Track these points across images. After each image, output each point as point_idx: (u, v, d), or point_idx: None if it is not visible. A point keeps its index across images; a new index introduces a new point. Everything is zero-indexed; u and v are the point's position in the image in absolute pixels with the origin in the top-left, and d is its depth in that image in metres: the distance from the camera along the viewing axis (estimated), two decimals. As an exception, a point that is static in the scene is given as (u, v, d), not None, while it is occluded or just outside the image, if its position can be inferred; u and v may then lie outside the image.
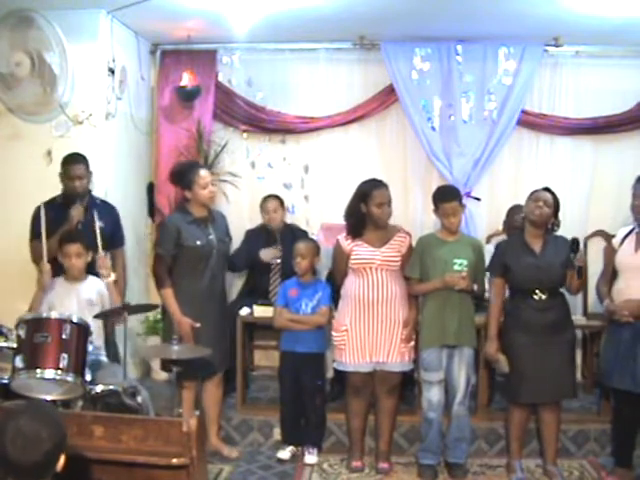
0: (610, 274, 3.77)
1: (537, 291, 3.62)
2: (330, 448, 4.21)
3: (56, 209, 4.09)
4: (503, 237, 4.72)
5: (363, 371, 3.85)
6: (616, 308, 3.61)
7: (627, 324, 3.56)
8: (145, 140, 5.37)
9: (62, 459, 1.98)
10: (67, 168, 4.14)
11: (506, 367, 3.70)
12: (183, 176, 3.91)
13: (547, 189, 3.72)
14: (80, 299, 3.67)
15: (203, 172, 3.89)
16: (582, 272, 3.68)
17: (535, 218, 3.67)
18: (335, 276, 4.07)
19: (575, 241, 3.63)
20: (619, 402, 3.74)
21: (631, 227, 3.75)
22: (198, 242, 3.83)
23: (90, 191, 4.29)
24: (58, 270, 3.81)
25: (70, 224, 4.01)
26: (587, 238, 5.18)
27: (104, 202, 4.39)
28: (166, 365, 3.73)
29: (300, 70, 5.38)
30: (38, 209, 4.12)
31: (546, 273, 3.62)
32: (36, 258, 4.14)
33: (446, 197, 3.80)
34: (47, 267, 3.71)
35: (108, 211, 4.35)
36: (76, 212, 4.04)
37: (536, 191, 3.73)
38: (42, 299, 3.65)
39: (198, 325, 3.77)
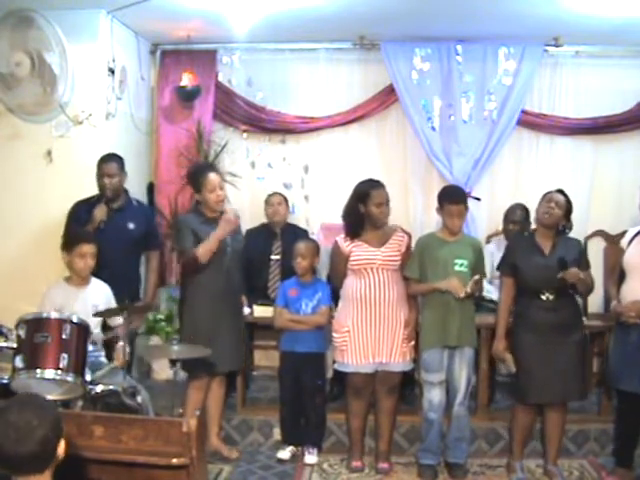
0: (617, 275, 3.75)
1: (545, 291, 3.61)
2: (330, 448, 4.20)
3: (89, 208, 4.16)
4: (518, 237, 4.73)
5: (365, 372, 3.85)
6: (623, 309, 3.60)
7: (634, 325, 3.55)
8: (145, 140, 5.37)
9: (62, 444, 1.95)
10: (99, 165, 4.22)
11: (513, 367, 3.70)
12: (194, 179, 3.95)
13: (560, 191, 3.72)
14: (87, 304, 3.65)
15: (212, 176, 3.88)
16: (575, 287, 3.65)
17: (545, 218, 3.67)
18: (333, 277, 4.07)
19: (562, 261, 3.58)
20: (623, 403, 3.73)
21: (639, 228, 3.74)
22: None
23: (126, 191, 4.32)
24: None
25: (93, 224, 4.06)
26: (587, 238, 5.18)
27: (140, 203, 4.48)
28: (186, 365, 3.77)
29: (300, 70, 5.39)
30: (75, 207, 4.22)
31: (554, 273, 3.59)
32: None
33: (453, 198, 3.79)
34: None
35: (142, 212, 4.45)
36: (99, 212, 4.10)
37: (549, 192, 3.73)
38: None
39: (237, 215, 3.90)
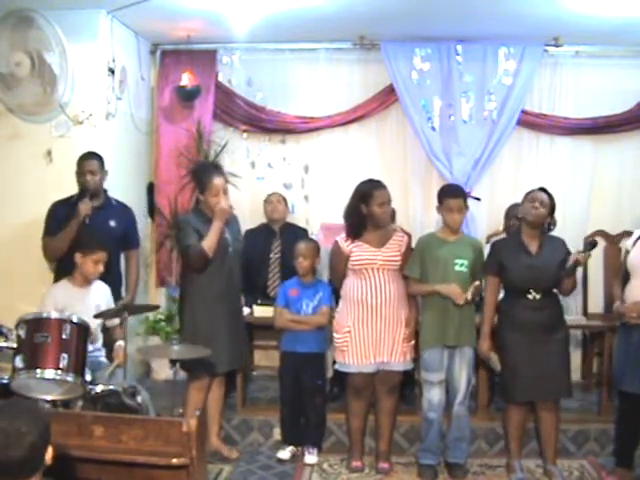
0: (622, 276, 3.74)
1: (532, 291, 3.63)
2: (330, 448, 4.20)
3: (68, 207, 4.15)
4: (503, 237, 4.73)
5: (366, 372, 3.85)
6: (625, 310, 3.59)
7: (636, 326, 3.54)
8: (145, 140, 5.37)
9: (50, 451, 1.96)
10: (80, 163, 4.20)
11: (498, 365, 3.71)
12: (198, 178, 3.94)
13: (542, 189, 3.72)
14: (89, 305, 3.66)
15: (216, 180, 3.85)
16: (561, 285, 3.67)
17: (531, 219, 3.67)
18: (333, 277, 4.06)
19: (594, 242, 3.65)
20: (624, 403, 3.72)
21: None
22: None
23: (105, 191, 4.32)
24: (65, 271, 3.82)
25: (78, 219, 4.05)
26: (587, 238, 5.18)
27: (119, 202, 4.45)
28: (185, 362, 3.76)
29: (300, 70, 5.38)
30: (53, 206, 4.20)
31: (541, 273, 3.61)
32: (49, 255, 4.16)
33: (452, 193, 3.80)
34: None
35: (122, 211, 4.43)
36: (84, 207, 4.08)
37: (532, 191, 3.72)
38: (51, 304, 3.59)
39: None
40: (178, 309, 4.15)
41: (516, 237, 3.79)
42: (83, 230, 4.01)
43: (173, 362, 3.54)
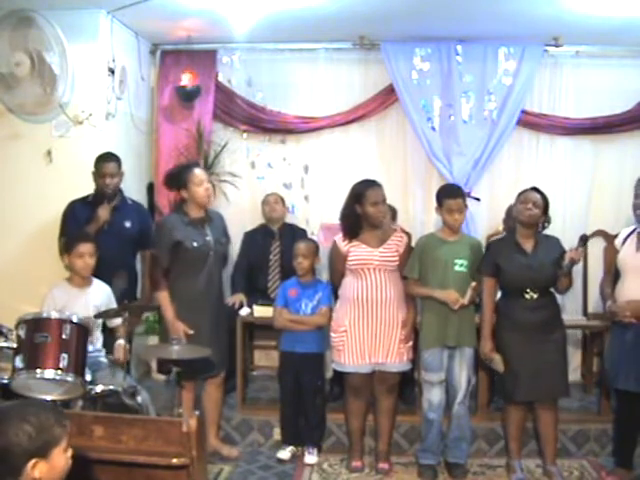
0: (613, 275, 3.76)
1: (529, 290, 3.63)
2: (330, 448, 4.21)
3: (87, 208, 4.17)
4: (498, 237, 4.73)
5: (362, 372, 3.85)
6: (618, 309, 3.60)
7: (630, 325, 3.55)
8: (145, 140, 5.37)
9: (36, 466, 1.80)
10: (99, 165, 4.21)
11: (502, 366, 3.71)
12: (178, 177, 3.87)
13: (535, 189, 3.72)
14: (88, 306, 3.65)
15: (197, 171, 3.86)
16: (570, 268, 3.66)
17: (525, 219, 3.68)
18: (332, 278, 4.06)
19: (584, 237, 3.66)
20: (621, 402, 3.73)
21: (633, 227, 3.74)
22: (194, 244, 3.79)
23: (121, 191, 4.33)
24: None
25: (97, 223, 4.06)
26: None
27: (134, 202, 4.48)
28: (163, 368, 3.73)
29: (300, 70, 5.38)
30: (71, 206, 4.22)
31: (538, 273, 3.62)
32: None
33: (452, 193, 3.80)
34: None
35: (137, 211, 4.46)
36: (103, 212, 4.11)
37: (524, 191, 3.73)
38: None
39: (191, 332, 3.71)
40: (158, 312, 4.06)
41: (511, 237, 3.79)
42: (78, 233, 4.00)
43: (169, 363, 3.52)
